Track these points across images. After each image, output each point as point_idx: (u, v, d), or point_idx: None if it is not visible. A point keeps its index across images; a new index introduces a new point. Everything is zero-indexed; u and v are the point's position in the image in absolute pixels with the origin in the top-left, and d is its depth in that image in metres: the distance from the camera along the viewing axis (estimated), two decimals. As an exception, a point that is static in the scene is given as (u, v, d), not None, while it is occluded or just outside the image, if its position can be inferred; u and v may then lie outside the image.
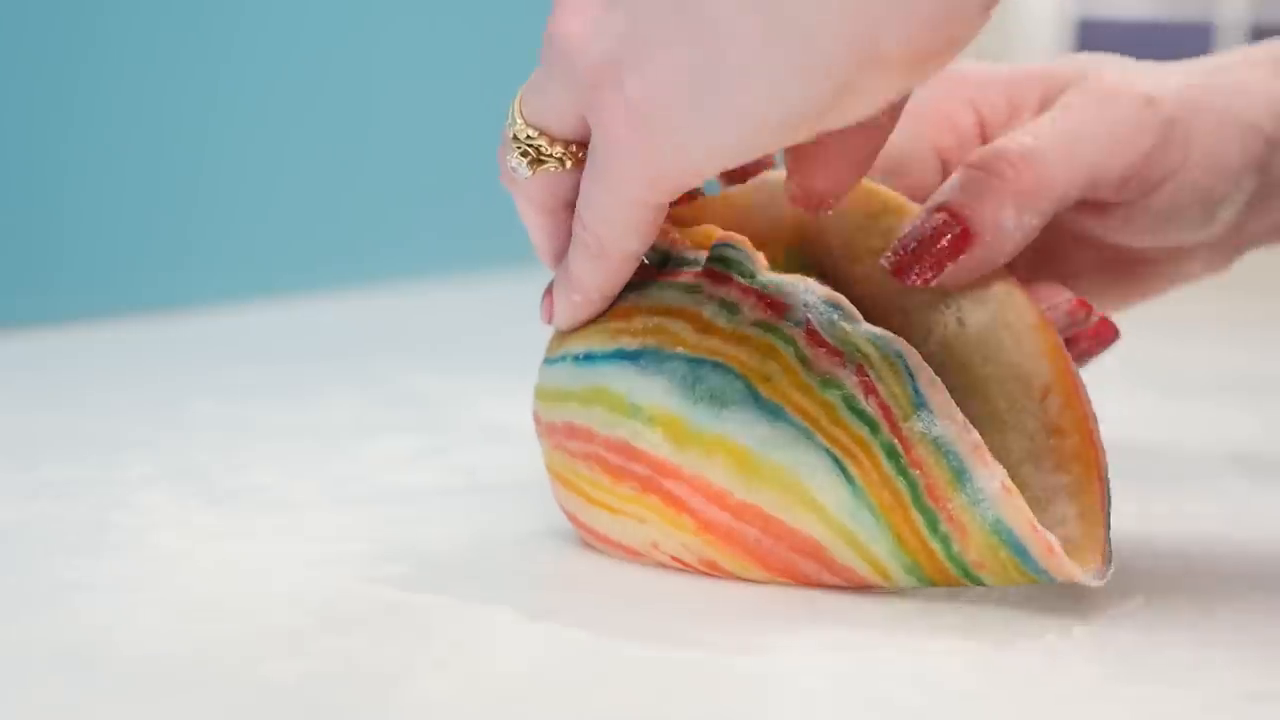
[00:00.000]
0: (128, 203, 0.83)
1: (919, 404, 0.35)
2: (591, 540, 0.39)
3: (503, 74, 1.06)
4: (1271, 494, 0.50)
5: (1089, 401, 0.37)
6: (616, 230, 0.36)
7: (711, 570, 0.37)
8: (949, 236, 0.38)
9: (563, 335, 0.39)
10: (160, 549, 0.40)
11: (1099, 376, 0.75)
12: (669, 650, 0.33)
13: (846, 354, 0.36)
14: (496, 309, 0.91)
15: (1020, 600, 0.37)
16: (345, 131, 0.97)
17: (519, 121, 0.37)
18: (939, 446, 0.35)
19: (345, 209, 0.97)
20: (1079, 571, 0.35)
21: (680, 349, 0.36)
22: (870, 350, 0.36)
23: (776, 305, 0.36)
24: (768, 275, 0.37)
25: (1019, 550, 0.35)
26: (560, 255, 0.39)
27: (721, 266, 0.37)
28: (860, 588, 0.37)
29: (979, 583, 0.36)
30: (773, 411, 0.35)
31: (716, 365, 0.36)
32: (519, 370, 0.58)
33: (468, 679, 0.31)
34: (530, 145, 0.37)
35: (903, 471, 0.35)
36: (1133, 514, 0.47)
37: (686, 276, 0.38)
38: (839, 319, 0.36)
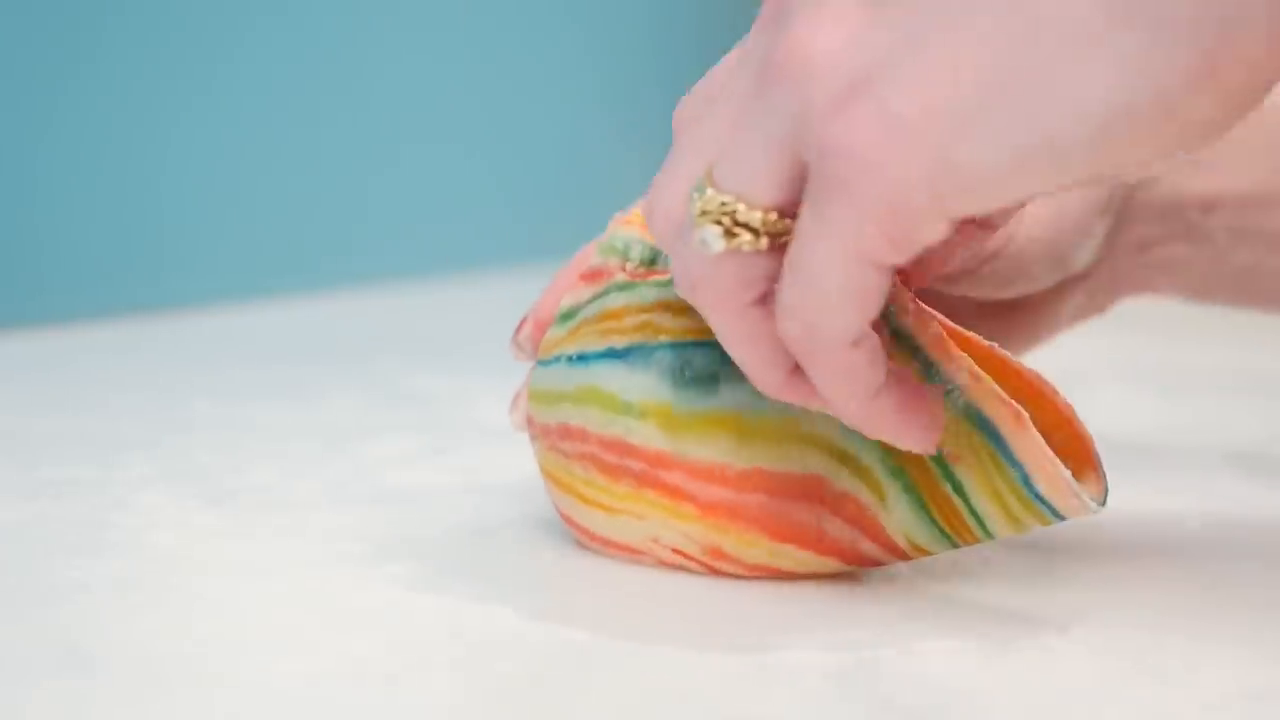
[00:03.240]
0: (128, 202, 0.83)
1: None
2: (587, 541, 0.39)
3: (504, 74, 1.06)
4: (1271, 494, 0.50)
5: (979, 340, 0.36)
6: (831, 300, 0.31)
7: (715, 558, 0.37)
8: None
9: (558, 337, 0.39)
10: (160, 549, 0.40)
11: (1100, 376, 0.75)
12: (669, 650, 0.33)
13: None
14: (496, 309, 0.91)
15: (1020, 600, 0.37)
16: (345, 131, 0.97)
17: (709, 191, 0.32)
18: (901, 339, 0.35)
19: (345, 209, 0.97)
20: (1056, 461, 0.34)
21: (663, 338, 0.37)
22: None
23: None
24: None
25: (991, 434, 0.34)
26: (781, 376, 0.34)
27: None
28: (859, 523, 0.36)
29: (959, 488, 0.35)
30: None
31: (700, 345, 0.36)
32: (519, 371, 0.58)
33: (468, 679, 0.31)
34: (724, 213, 0.31)
35: None
36: (1132, 514, 0.47)
37: (665, 276, 0.38)
38: None
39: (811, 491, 0.36)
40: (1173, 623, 0.36)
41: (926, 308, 0.35)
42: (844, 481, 0.36)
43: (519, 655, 0.32)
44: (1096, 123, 0.28)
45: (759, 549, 0.37)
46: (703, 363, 0.36)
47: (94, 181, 0.81)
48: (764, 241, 0.32)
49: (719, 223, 0.32)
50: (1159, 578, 0.40)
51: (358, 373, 0.68)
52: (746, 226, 0.32)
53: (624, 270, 0.39)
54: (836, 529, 0.37)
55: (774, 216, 0.31)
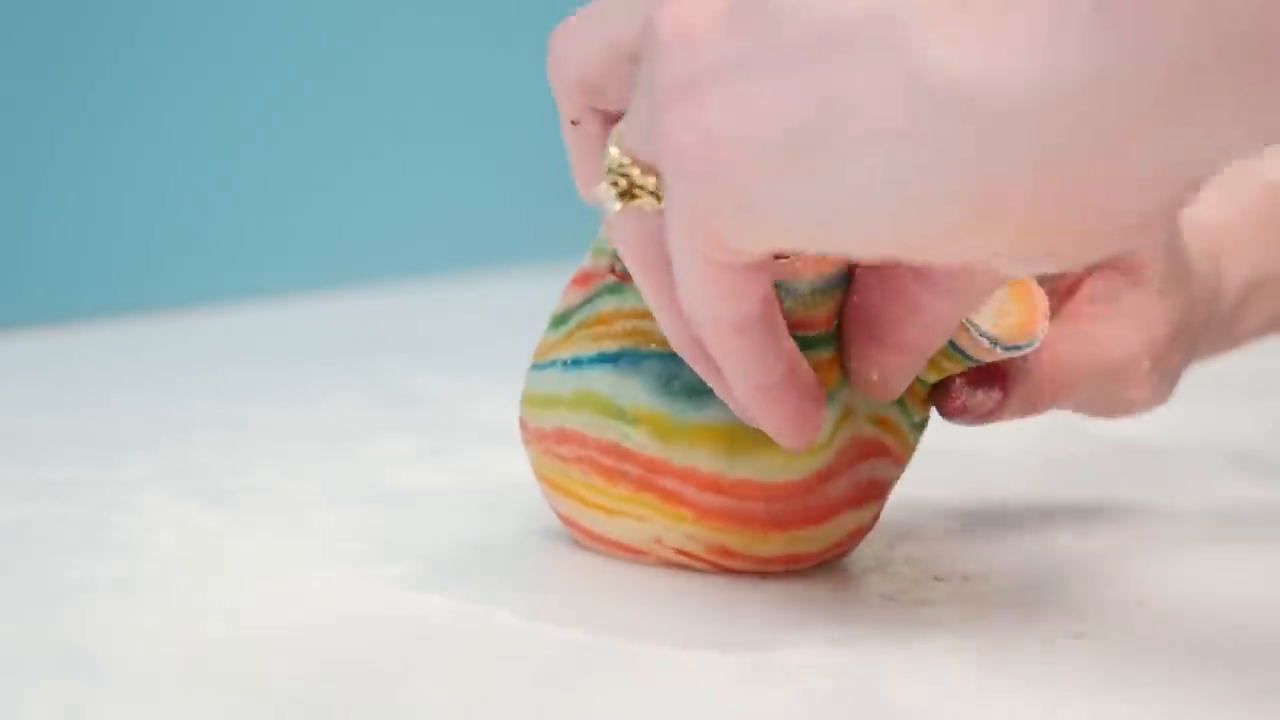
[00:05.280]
0: (129, 202, 0.83)
1: None
2: (589, 542, 0.39)
3: (504, 73, 1.06)
4: (1271, 494, 0.50)
5: None
6: (690, 285, 0.31)
7: (722, 557, 0.37)
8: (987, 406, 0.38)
9: (552, 342, 0.39)
10: (160, 549, 0.40)
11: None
12: (669, 650, 0.33)
13: (806, 321, 0.36)
14: (496, 309, 0.91)
15: (1020, 600, 0.37)
16: (346, 131, 0.97)
17: (612, 148, 0.32)
18: None
19: (345, 209, 0.97)
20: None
21: (653, 346, 0.37)
22: (822, 302, 0.36)
23: None
24: None
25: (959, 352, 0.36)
26: (690, 342, 0.34)
27: None
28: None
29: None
30: None
31: None
32: (519, 370, 0.58)
33: (468, 679, 0.31)
34: (621, 174, 0.31)
35: None
36: (1132, 514, 0.47)
37: None
38: (782, 290, 0.36)
39: (811, 487, 0.36)
40: (1172, 622, 0.36)
41: None
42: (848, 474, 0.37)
43: (519, 655, 0.32)
44: (865, 228, 0.28)
45: (771, 543, 0.37)
46: (692, 375, 0.36)
47: (94, 181, 0.81)
48: (663, 201, 0.31)
49: (616, 184, 0.31)
50: (1159, 578, 0.40)
51: (358, 373, 0.68)
52: (644, 189, 0.31)
53: (613, 272, 0.39)
54: (844, 483, 0.37)
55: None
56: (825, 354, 0.36)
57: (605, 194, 0.32)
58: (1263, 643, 0.35)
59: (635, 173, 0.31)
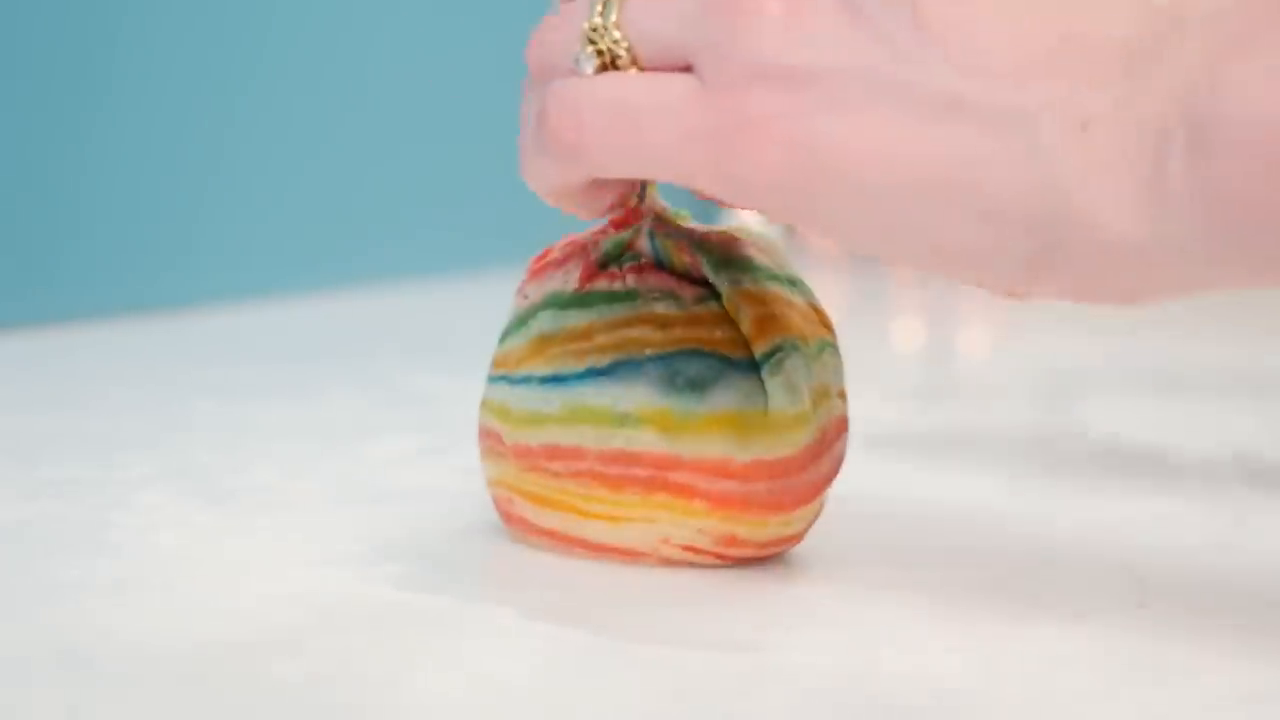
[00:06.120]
0: (129, 202, 0.83)
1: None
2: (580, 550, 0.39)
3: (505, 73, 1.06)
4: (1271, 494, 0.50)
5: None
6: (608, 157, 0.33)
7: (727, 546, 0.38)
8: None
9: (520, 353, 0.39)
10: (160, 549, 0.40)
11: (1100, 376, 0.75)
12: (669, 650, 0.33)
13: (770, 294, 0.39)
14: (497, 309, 0.91)
15: (1020, 600, 0.37)
16: (346, 131, 0.97)
17: (608, 17, 0.32)
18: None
19: (345, 209, 0.97)
20: None
21: (649, 350, 0.38)
22: (777, 281, 0.39)
23: (700, 280, 0.39)
24: (672, 256, 0.39)
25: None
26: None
27: (651, 256, 0.39)
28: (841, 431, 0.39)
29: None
30: (746, 367, 0.37)
31: (687, 355, 0.37)
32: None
33: (468, 679, 0.31)
34: (613, 50, 0.32)
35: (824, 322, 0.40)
36: (1133, 514, 0.47)
37: (617, 283, 0.39)
38: (737, 274, 0.39)
39: (804, 464, 0.38)
40: (1172, 623, 0.36)
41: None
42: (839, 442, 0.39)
43: (519, 655, 0.32)
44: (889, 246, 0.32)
45: (770, 527, 0.38)
46: (694, 370, 0.37)
47: (94, 181, 0.81)
48: None
49: (601, 54, 0.32)
50: (1158, 578, 0.40)
51: (358, 372, 0.68)
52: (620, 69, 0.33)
53: (594, 239, 0.40)
54: (826, 462, 0.39)
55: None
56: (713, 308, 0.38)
57: (586, 59, 0.33)
58: (1262, 643, 0.35)
59: (625, 58, 0.32)
